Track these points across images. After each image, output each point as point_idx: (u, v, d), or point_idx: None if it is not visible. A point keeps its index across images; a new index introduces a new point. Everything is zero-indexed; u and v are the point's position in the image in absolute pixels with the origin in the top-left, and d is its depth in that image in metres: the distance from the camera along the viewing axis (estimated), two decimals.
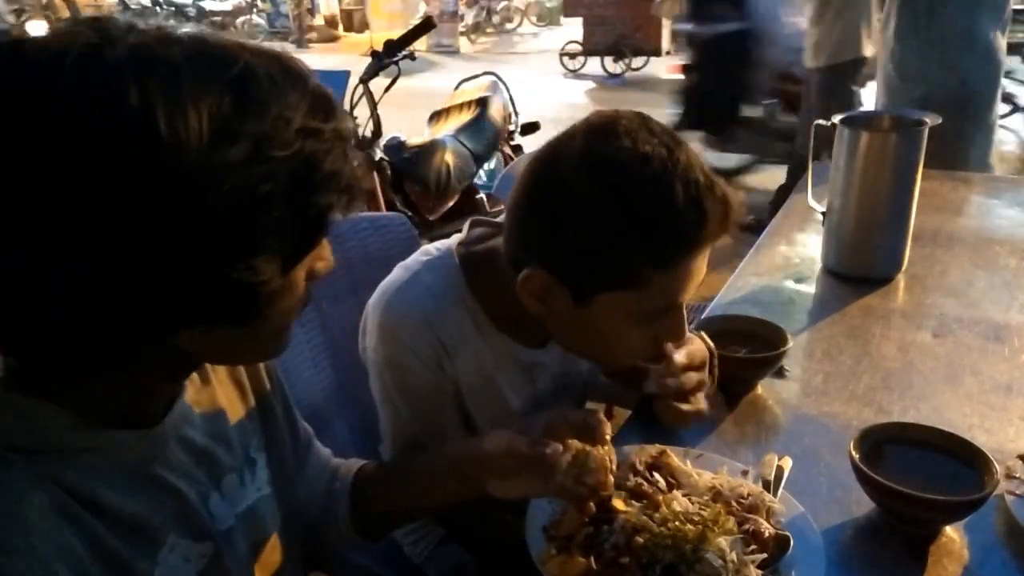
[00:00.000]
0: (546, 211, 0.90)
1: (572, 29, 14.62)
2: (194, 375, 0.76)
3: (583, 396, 1.27)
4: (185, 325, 0.59)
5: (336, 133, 0.60)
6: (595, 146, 0.87)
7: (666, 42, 10.71)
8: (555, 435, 0.83)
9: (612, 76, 11.05)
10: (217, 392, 0.79)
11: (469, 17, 16.20)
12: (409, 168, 3.16)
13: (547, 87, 10.00)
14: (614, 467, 0.83)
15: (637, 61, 11.14)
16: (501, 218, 1.03)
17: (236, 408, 0.81)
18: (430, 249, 1.10)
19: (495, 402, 1.10)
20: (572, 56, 11.61)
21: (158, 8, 15.59)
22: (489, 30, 16.95)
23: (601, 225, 0.86)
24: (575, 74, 11.39)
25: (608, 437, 0.84)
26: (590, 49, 11.46)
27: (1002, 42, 2.64)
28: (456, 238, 1.11)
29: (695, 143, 3.97)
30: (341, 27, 17.42)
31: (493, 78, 3.66)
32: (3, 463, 0.58)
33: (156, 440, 0.68)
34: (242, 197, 0.54)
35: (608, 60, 11.15)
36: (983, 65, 2.62)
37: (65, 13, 17.62)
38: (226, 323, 0.60)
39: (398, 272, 1.08)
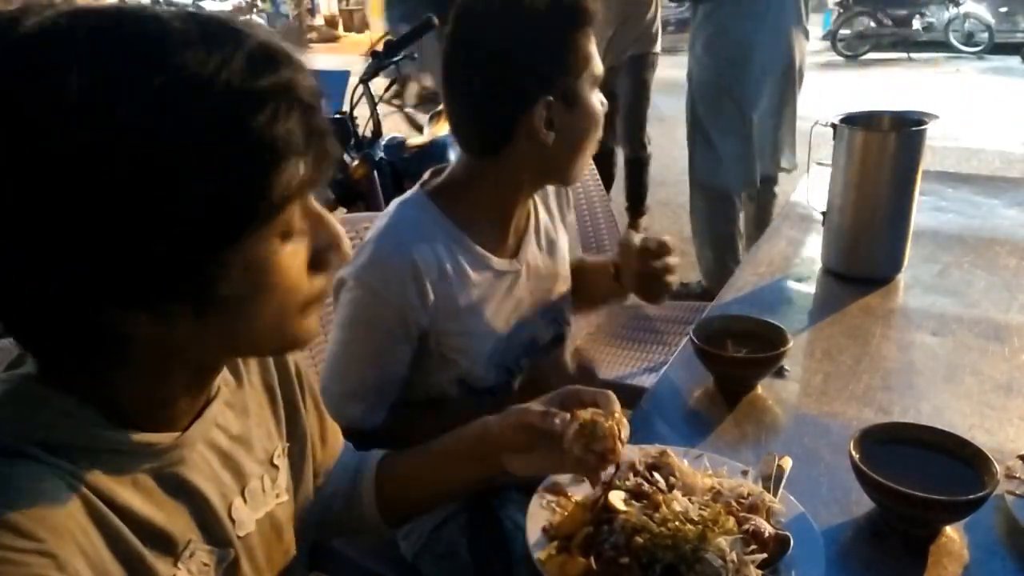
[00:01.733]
0: (493, 54, 1.08)
1: None
2: (228, 377, 0.75)
3: (558, 322, 1.36)
4: (129, 304, 0.55)
5: (275, 91, 0.54)
6: None
7: None
8: (567, 409, 0.84)
9: None
10: (249, 396, 0.79)
11: None
12: (409, 168, 3.16)
13: None
14: (624, 436, 0.83)
15: None
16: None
17: (265, 413, 0.81)
18: (393, 207, 1.22)
19: (479, 318, 1.20)
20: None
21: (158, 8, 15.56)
22: None
23: (537, 20, 1.07)
24: None
25: (618, 409, 0.85)
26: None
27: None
28: (419, 182, 1.24)
29: None
30: (341, 27, 17.42)
31: None
32: (33, 459, 0.57)
33: (184, 443, 0.67)
34: (138, 158, 0.50)
35: None
36: None
37: None
38: (173, 305, 0.56)
39: (378, 220, 1.19)
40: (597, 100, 1.16)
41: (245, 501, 0.75)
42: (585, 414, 0.83)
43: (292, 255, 0.60)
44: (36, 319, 0.56)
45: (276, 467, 0.80)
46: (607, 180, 4.35)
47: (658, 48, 3.88)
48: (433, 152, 3.19)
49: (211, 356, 0.66)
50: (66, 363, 0.60)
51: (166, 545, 0.65)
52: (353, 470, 0.96)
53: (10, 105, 0.50)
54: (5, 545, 0.52)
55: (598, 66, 1.14)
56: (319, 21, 17.61)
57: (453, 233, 1.17)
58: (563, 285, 1.35)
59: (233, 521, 0.73)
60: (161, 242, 0.52)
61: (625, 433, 0.84)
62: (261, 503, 0.77)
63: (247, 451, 0.76)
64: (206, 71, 0.52)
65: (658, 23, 3.86)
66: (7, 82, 0.50)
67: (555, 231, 1.35)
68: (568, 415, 0.83)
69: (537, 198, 1.31)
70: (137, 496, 0.63)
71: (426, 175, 1.25)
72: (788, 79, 3.04)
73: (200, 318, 0.58)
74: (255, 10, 16.93)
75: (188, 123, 0.51)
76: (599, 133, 1.18)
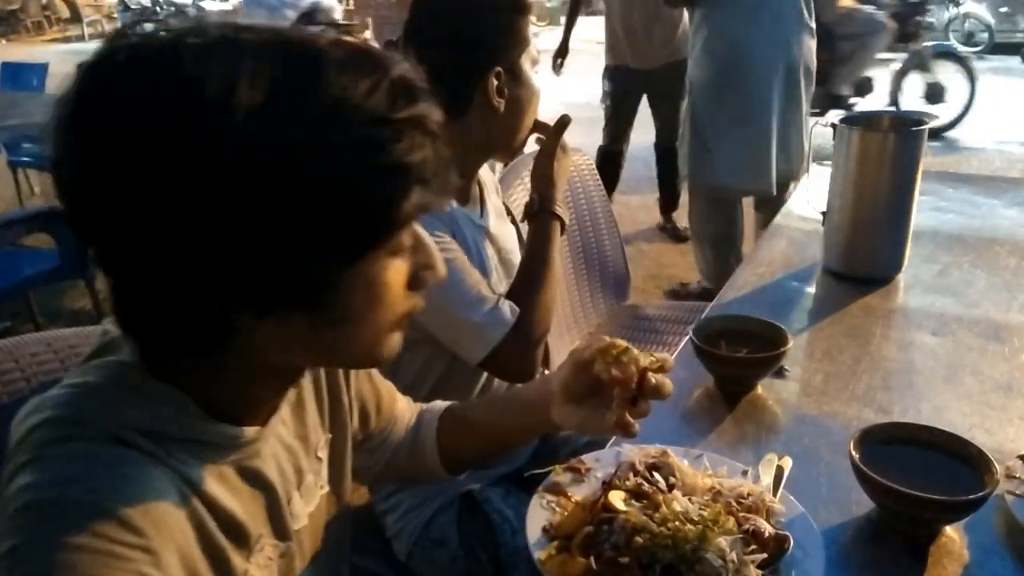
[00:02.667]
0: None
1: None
2: None
3: None
4: (245, 310, 0.57)
5: (413, 122, 0.57)
6: None
7: None
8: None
9: None
10: (303, 390, 0.81)
11: None
12: None
13: (547, 86, 10.00)
14: (648, 364, 0.83)
15: None
16: None
17: (312, 406, 0.83)
18: None
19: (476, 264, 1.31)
20: None
21: (158, 8, 15.59)
22: None
23: (487, 6, 1.27)
24: None
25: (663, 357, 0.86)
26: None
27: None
28: None
29: None
30: None
31: None
32: (134, 446, 0.59)
33: (262, 437, 0.69)
34: (295, 179, 0.53)
35: None
36: None
37: (65, 12, 17.62)
38: (292, 312, 0.58)
39: None
40: (535, 79, 1.34)
41: (301, 496, 0.77)
42: (621, 343, 0.84)
43: (397, 272, 0.63)
44: (168, 315, 0.58)
45: (319, 459, 0.82)
46: (613, 181, 4.39)
47: (686, 55, 3.96)
48: None
49: (310, 363, 0.71)
50: (173, 356, 0.62)
51: (243, 538, 0.67)
52: (415, 423, 1.01)
53: (177, 118, 0.52)
54: (113, 538, 0.53)
55: (535, 48, 1.33)
56: None
57: None
58: (516, 256, 1.47)
59: (292, 515, 0.75)
60: (298, 254, 0.55)
61: (652, 366, 0.83)
62: (311, 497, 0.80)
63: (304, 446, 0.79)
64: (356, 99, 0.55)
65: (685, 31, 3.90)
66: (175, 96, 0.52)
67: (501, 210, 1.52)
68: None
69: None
70: (221, 488, 0.65)
71: None
72: (792, 80, 3.00)
73: (313, 328, 0.61)
74: None
75: (339, 147, 0.54)
76: (537, 107, 1.36)
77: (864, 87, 5.68)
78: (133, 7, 16.35)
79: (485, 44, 1.27)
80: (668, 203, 4.50)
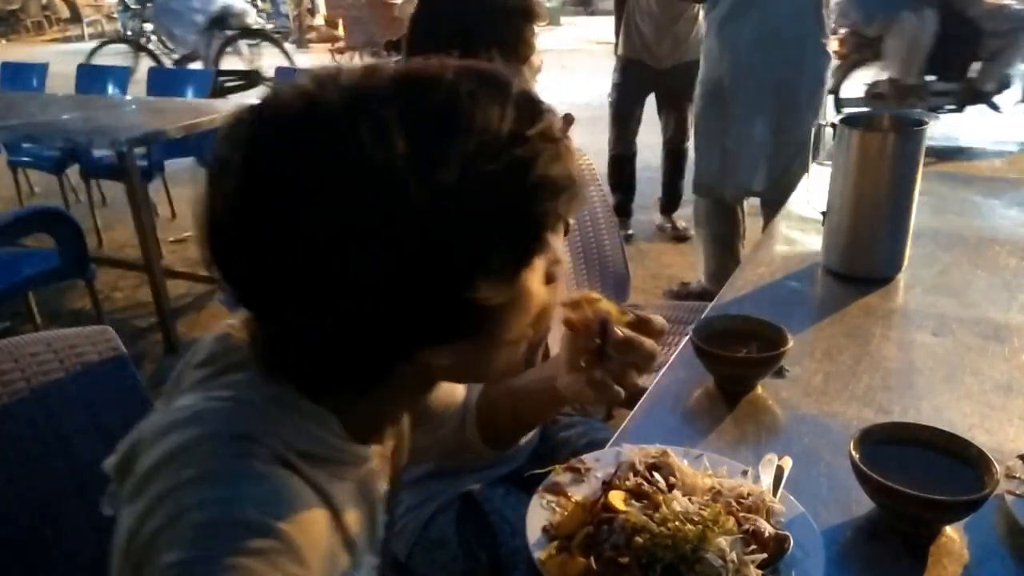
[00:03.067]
0: None
1: (572, 29, 14.61)
2: None
3: None
4: (424, 345, 0.60)
5: (544, 136, 0.59)
6: None
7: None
8: None
9: None
10: None
11: None
12: None
13: (548, 87, 10.00)
14: (615, 315, 0.83)
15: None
16: None
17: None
18: None
19: None
20: (341, 52, 12.97)
21: (311, 8, 15.60)
22: None
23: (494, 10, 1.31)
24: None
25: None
26: (351, 46, 12.82)
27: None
28: None
29: None
30: (341, 27, 17.41)
31: None
32: (296, 470, 0.59)
33: (375, 455, 0.71)
34: (460, 216, 0.55)
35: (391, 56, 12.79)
36: None
37: (65, 12, 17.61)
38: (464, 339, 0.61)
39: None
40: (536, 89, 1.28)
41: (384, 511, 0.79)
42: (594, 294, 0.85)
43: (539, 276, 0.65)
44: (334, 358, 0.60)
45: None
46: (630, 193, 4.38)
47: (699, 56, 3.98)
48: None
49: (459, 381, 0.74)
50: (329, 389, 0.64)
51: (356, 556, 0.68)
52: (461, 409, 1.01)
53: (346, 179, 0.53)
54: (282, 568, 0.53)
55: (539, 57, 1.33)
56: (319, 21, 17.60)
57: None
58: None
59: (379, 527, 0.77)
60: (472, 282, 0.57)
61: (616, 313, 0.83)
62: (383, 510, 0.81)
63: (384, 462, 0.80)
64: (494, 125, 0.56)
65: (699, 32, 3.90)
66: (332, 149, 0.54)
67: None
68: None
69: None
70: (347, 507, 0.66)
71: None
72: (785, 94, 2.90)
73: (476, 348, 0.63)
74: (255, 10, 16.94)
75: (491, 175, 0.55)
76: None
77: (1005, 82, 5.56)
78: (133, 7, 16.34)
79: (490, 51, 1.26)
80: (669, 204, 4.50)
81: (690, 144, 4.05)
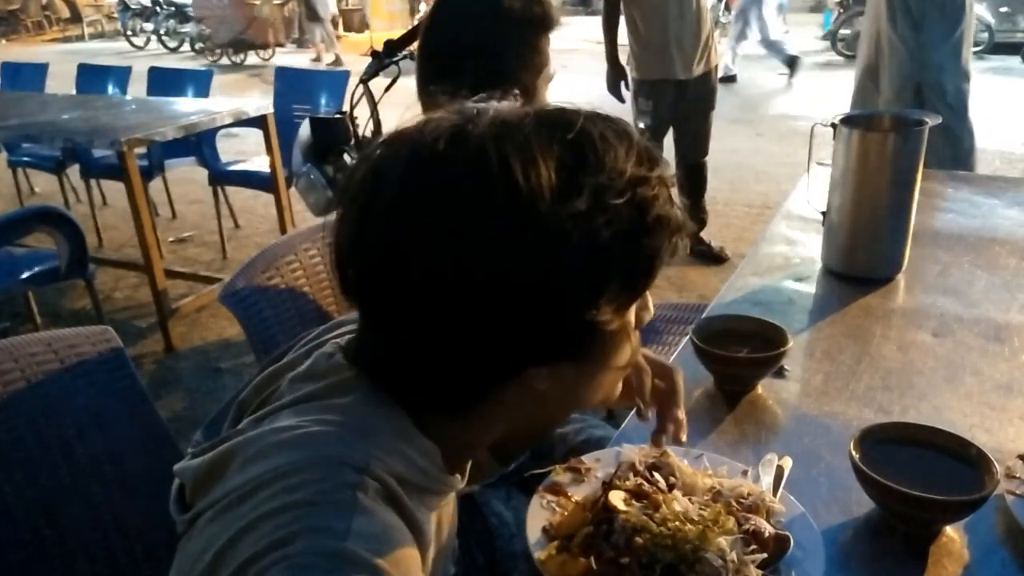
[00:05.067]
0: None
1: (572, 29, 14.57)
2: None
3: None
4: (536, 363, 0.63)
5: (661, 180, 0.63)
6: None
7: (271, 37, 13.80)
8: None
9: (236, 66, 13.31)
10: None
11: None
12: None
13: (549, 87, 9.99)
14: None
15: (265, 53, 13.82)
16: None
17: None
18: None
19: None
20: (212, 50, 13.81)
21: (158, 8, 15.61)
22: None
23: (510, 21, 1.29)
24: (214, 64, 13.42)
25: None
26: (216, 44, 13.65)
27: None
28: None
29: None
30: (341, 27, 17.41)
31: None
32: (394, 501, 0.60)
33: (455, 485, 0.71)
34: (589, 243, 0.59)
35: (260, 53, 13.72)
36: None
37: (65, 12, 17.62)
38: (570, 361, 0.64)
39: None
40: (548, 99, 1.32)
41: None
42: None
43: (632, 312, 0.68)
44: (448, 374, 0.63)
45: None
46: None
47: (716, 62, 3.92)
48: None
49: (554, 414, 0.77)
50: (433, 410, 0.66)
51: None
52: None
53: (493, 190, 0.58)
54: None
55: (552, 67, 1.32)
56: None
57: None
58: None
59: (452, 558, 0.79)
60: (591, 305, 0.61)
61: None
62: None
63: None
64: (621, 166, 0.60)
65: (713, 38, 3.86)
66: (485, 173, 0.58)
67: None
68: None
69: None
70: (433, 539, 0.67)
71: None
72: None
73: (578, 374, 0.67)
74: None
75: (615, 211, 0.59)
76: None
77: None
78: (133, 7, 16.36)
79: (504, 59, 1.24)
80: (695, 224, 4.21)
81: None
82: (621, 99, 3.89)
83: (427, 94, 1.28)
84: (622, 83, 3.90)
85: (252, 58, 13.86)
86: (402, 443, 0.63)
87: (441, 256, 0.58)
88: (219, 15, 13.62)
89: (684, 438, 0.94)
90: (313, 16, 12.86)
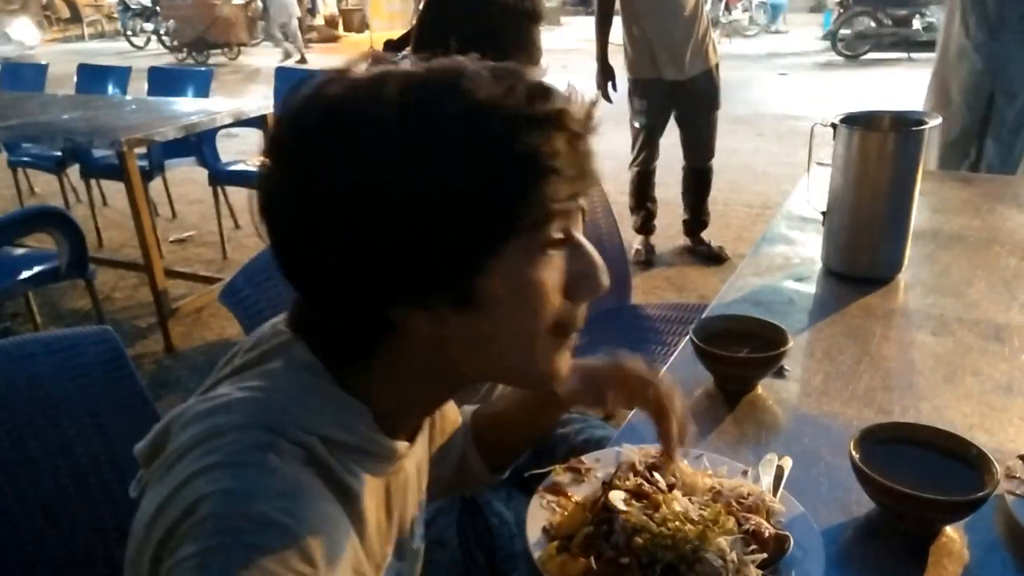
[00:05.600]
0: None
1: (572, 29, 14.60)
2: None
3: None
4: (409, 302, 0.61)
5: (551, 117, 0.60)
6: None
7: (233, 36, 14.05)
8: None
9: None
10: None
11: None
12: None
13: None
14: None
15: (231, 52, 14.15)
16: None
17: (426, 439, 0.84)
18: None
19: None
20: (180, 49, 14.13)
21: (158, 8, 15.61)
22: None
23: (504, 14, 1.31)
24: (180, 63, 13.66)
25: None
26: (183, 43, 13.98)
27: None
28: None
29: None
30: (341, 27, 17.42)
31: None
32: (316, 463, 0.60)
33: (409, 455, 0.71)
34: (443, 168, 0.57)
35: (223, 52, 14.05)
36: None
37: (65, 12, 17.62)
38: (450, 306, 0.61)
39: None
40: None
41: (420, 519, 0.80)
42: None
43: (548, 273, 0.63)
44: (339, 316, 0.64)
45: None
46: (652, 199, 4.13)
47: (716, 61, 3.81)
48: None
49: (467, 370, 0.68)
50: (346, 358, 0.65)
51: (377, 557, 0.68)
52: (461, 435, 1.01)
53: (341, 127, 0.59)
54: (293, 568, 0.53)
55: (544, 60, 1.28)
56: (319, 21, 17.62)
57: None
58: None
59: (413, 534, 0.77)
60: (442, 239, 0.58)
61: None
62: (421, 522, 0.81)
63: (423, 472, 0.81)
64: (493, 100, 0.59)
65: (711, 37, 3.79)
66: (340, 109, 0.60)
67: None
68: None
69: None
70: (372, 503, 0.66)
71: None
72: None
73: (466, 324, 0.62)
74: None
75: (479, 140, 0.58)
76: None
77: None
78: (133, 7, 16.36)
79: (503, 51, 1.26)
80: (696, 225, 4.17)
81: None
82: (608, 99, 3.86)
83: None
84: (609, 83, 3.88)
85: (219, 58, 14.09)
86: (327, 404, 0.63)
87: (307, 193, 0.59)
88: (183, 14, 13.88)
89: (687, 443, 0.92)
90: (267, 17, 13.37)
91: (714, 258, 4.11)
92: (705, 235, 4.20)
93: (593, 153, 0.64)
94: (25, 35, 10.76)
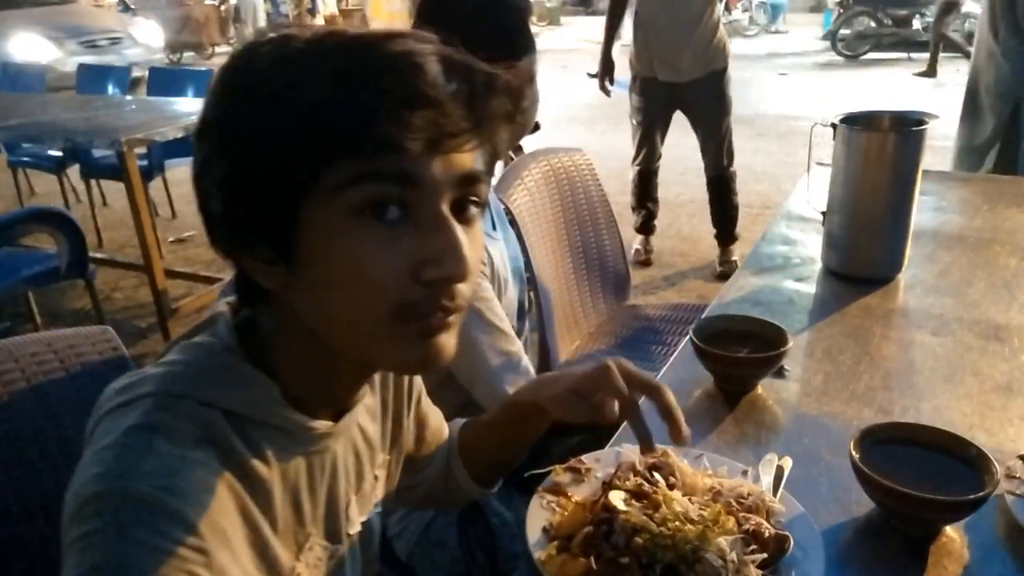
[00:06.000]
0: None
1: (572, 28, 14.61)
2: (372, 380, 0.80)
3: None
4: (245, 252, 0.61)
5: (390, 57, 0.56)
6: None
7: (206, 37, 14.17)
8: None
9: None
10: (377, 400, 0.83)
11: None
12: None
13: (547, 86, 10.01)
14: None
15: (205, 53, 14.09)
16: None
17: (378, 423, 0.84)
18: None
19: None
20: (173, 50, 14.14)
21: (231, 7, 15.71)
22: None
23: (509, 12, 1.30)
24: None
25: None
26: (167, 44, 14.08)
27: None
28: None
29: None
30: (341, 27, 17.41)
31: None
32: (213, 442, 0.60)
33: (334, 433, 0.70)
34: (256, 116, 0.57)
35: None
36: None
37: None
38: (263, 245, 0.60)
39: None
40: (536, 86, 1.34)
41: (357, 502, 0.79)
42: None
43: (378, 244, 0.58)
44: (217, 225, 0.63)
45: (377, 477, 0.84)
46: (656, 201, 4.08)
47: (723, 66, 3.69)
48: None
49: (328, 342, 0.65)
50: (252, 328, 0.67)
51: (295, 535, 0.68)
52: (446, 449, 1.01)
53: (231, 81, 0.60)
54: (171, 536, 0.54)
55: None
56: (319, 21, 17.61)
57: None
58: (520, 262, 1.50)
59: (347, 519, 0.76)
60: (254, 181, 0.58)
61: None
62: (366, 508, 0.81)
63: (371, 456, 0.81)
64: (334, 40, 0.59)
65: (721, 38, 3.68)
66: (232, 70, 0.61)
67: None
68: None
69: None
70: (286, 481, 0.66)
71: None
72: None
73: (293, 279, 0.61)
74: None
75: (291, 94, 0.57)
76: (535, 113, 1.36)
77: None
78: (133, 7, 16.35)
79: (501, 38, 1.26)
80: (721, 236, 4.01)
81: (736, 168, 3.84)
82: (605, 92, 3.91)
83: None
84: (608, 78, 3.89)
85: (193, 58, 14.06)
86: (233, 378, 0.64)
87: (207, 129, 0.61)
88: (158, 15, 13.88)
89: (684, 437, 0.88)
90: (238, 18, 13.65)
91: (721, 276, 3.89)
92: (703, 234, 4.19)
93: (426, 132, 0.57)
94: (150, 37, 10.27)
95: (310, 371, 0.67)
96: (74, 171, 4.83)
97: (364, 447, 0.80)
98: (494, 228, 1.40)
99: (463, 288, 0.62)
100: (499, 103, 0.61)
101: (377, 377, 0.84)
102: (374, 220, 0.58)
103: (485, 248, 1.29)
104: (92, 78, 5.19)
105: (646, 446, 0.87)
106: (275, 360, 0.66)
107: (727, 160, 3.86)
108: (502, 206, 1.54)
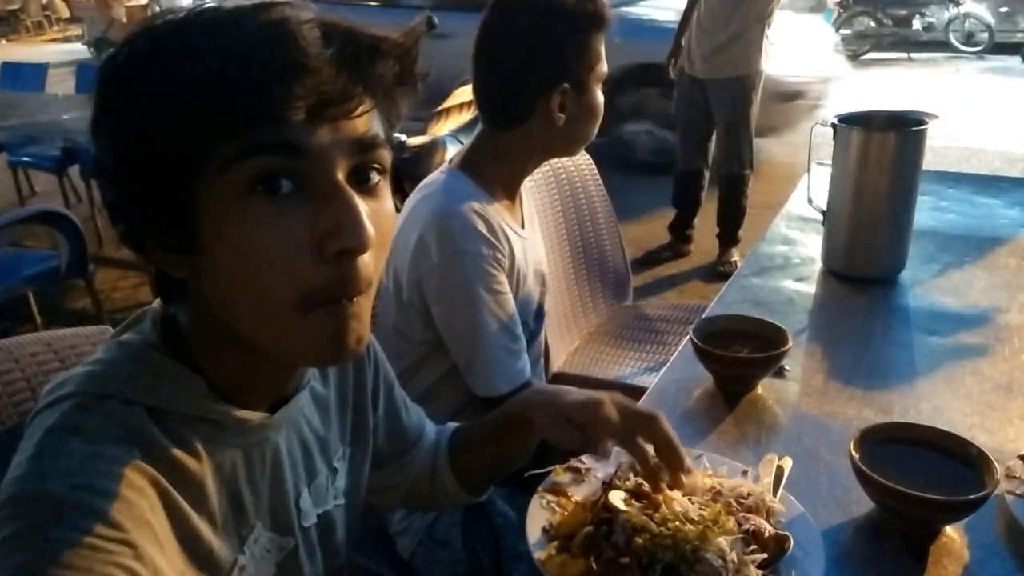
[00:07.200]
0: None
1: None
2: (319, 374, 0.80)
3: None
4: (150, 242, 0.60)
5: (237, 58, 0.53)
6: None
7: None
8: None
9: None
10: (330, 397, 0.82)
11: None
12: (409, 168, 3.16)
13: None
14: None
15: None
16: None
17: (336, 416, 0.83)
18: (428, 182, 1.35)
19: (524, 278, 1.36)
20: (89, 47, 13.96)
21: (156, 7, 15.65)
22: None
23: (565, 18, 1.26)
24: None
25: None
26: (89, 43, 13.91)
27: None
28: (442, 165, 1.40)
29: None
30: None
31: None
32: (135, 439, 0.59)
33: (272, 425, 0.70)
34: (139, 95, 0.56)
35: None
36: None
37: (65, 12, 17.61)
38: (157, 223, 0.59)
39: (425, 202, 1.30)
40: (600, 95, 1.33)
41: (311, 494, 0.78)
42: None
43: (273, 219, 0.56)
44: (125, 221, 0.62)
45: (336, 470, 0.83)
46: (694, 207, 4.08)
47: (761, 68, 3.71)
48: (433, 152, 3.19)
49: (239, 332, 0.63)
50: (173, 323, 0.66)
51: (236, 527, 0.67)
52: (432, 451, 1.01)
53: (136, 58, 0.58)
54: (94, 532, 0.54)
55: (604, 66, 1.31)
56: None
57: (488, 200, 1.31)
58: (544, 265, 1.51)
59: (299, 511, 0.76)
60: (141, 170, 0.57)
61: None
62: (322, 500, 0.80)
63: (322, 448, 0.80)
64: (213, 13, 0.57)
65: (756, 43, 3.67)
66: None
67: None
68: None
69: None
70: (219, 474, 0.65)
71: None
72: None
73: (206, 272, 0.59)
74: None
75: (169, 71, 0.55)
76: (598, 122, 1.35)
77: None
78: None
79: (557, 59, 1.26)
80: (724, 237, 4.04)
81: (748, 172, 3.87)
82: (668, 74, 3.97)
83: (482, 88, 1.34)
84: (672, 61, 3.93)
85: None
86: (156, 374, 0.63)
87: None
88: (89, 15, 14.09)
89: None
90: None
91: (723, 276, 3.87)
92: (705, 235, 4.19)
93: (306, 100, 0.55)
94: None
95: (232, 362, 0.65)
96: (74, 171, 4.82)
97: (312, 439, 0.78)
98: (523, 227, 1.40)
99: (367, 262, 0.58)
100: (386, 65, 0.58)
101: (334, 370, 0.83)
102: (267, 196, 0.56)
103: (508, 243, 1.29)
104: (92, 78, 5.18)
105: (654, 486, 0.86)
106: (197, 354, 0.65)
107: (739, 164, 3.88)
108: (533, 208, 1.54)
